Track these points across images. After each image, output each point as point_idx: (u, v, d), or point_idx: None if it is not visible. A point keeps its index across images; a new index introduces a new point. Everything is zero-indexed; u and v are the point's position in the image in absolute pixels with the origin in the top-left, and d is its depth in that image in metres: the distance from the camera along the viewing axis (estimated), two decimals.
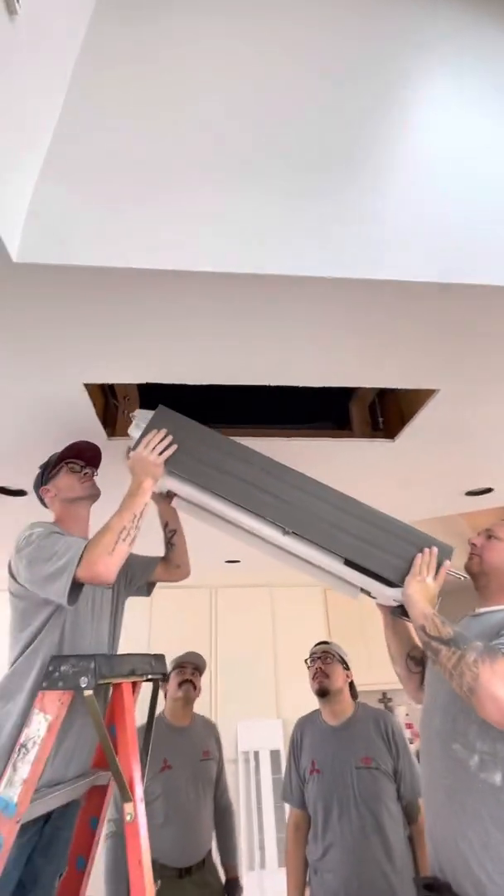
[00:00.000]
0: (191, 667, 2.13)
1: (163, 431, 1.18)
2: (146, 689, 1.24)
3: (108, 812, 1.64)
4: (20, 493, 1.91)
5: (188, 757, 1.96)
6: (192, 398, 1.34)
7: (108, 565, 1.00)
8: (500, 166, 1.10)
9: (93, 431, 1.46)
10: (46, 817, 1.06)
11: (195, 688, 2.08)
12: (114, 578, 1.02)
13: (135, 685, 1.15)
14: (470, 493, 2.10)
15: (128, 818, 0.94)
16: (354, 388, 1.60)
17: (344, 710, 1.73)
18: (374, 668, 3.83)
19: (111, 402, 1.56)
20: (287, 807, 2.03)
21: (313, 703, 1.97)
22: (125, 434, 1.54)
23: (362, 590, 1.31)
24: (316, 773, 1.62)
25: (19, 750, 0.94)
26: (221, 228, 0.95)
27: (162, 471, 1.17)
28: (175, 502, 1.39)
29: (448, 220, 1.02)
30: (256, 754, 3.20)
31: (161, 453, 1.16)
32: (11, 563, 1.13)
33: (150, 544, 1.47)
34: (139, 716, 1.13)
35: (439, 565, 1.13)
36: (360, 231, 0.98)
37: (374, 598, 1.32)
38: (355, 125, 1.11)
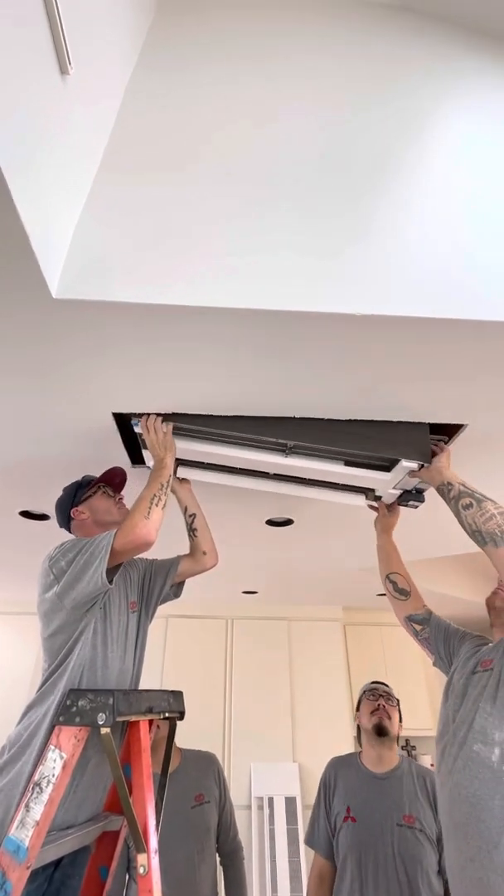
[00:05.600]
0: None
1: (152, 415, 1.29)
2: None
3: None
4: (43, 517, 1.93)
5: (177, 806, 1.67)
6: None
7: (148, 527, 1.08)
8: None
9: (118, 459, 1.47)
10: (56, 863, 1.02)
11: (158, 726, 1.84)
12: (155, 538, 1.08)
13: (151, 723, 1.11)
14: None
15: (141, 871, 0.88)
16: None
17: (392, 758, 1.60)
18: None
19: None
20: (304, 854, 1.87)
21: (330, 748, 1.82)
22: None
23: (367, 498, 1.52)
24: (350, 820, 1.48)
25: (33, 789, 0.91)
26: (245, 268, 0.97)
27: (173, 442, 1.29)
28: (187, 472, 1.48)
29: (465, 259, 1.03)
30: (271, 801, 3.04)
31: (164, 428, 1.27)
32: (42, 578, 1.12)
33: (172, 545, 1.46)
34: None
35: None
36: (375, 268, 1.00)
37: (378, 497, 1.52)
38: (371, 167, 1.14)
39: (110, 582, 1.05)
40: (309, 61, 1.31)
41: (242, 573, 2.85)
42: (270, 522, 2.05)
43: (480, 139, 1.23)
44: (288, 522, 2.04)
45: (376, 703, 1.67)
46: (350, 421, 1.31)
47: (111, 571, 1.04)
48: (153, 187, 1.05)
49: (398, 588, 1.41)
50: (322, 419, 1.31)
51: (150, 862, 0.88)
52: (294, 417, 1.30)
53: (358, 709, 1.73)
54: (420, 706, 3.55)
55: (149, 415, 1.28)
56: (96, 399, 1.22)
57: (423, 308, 0.96)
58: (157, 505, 1.13)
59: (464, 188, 1.13)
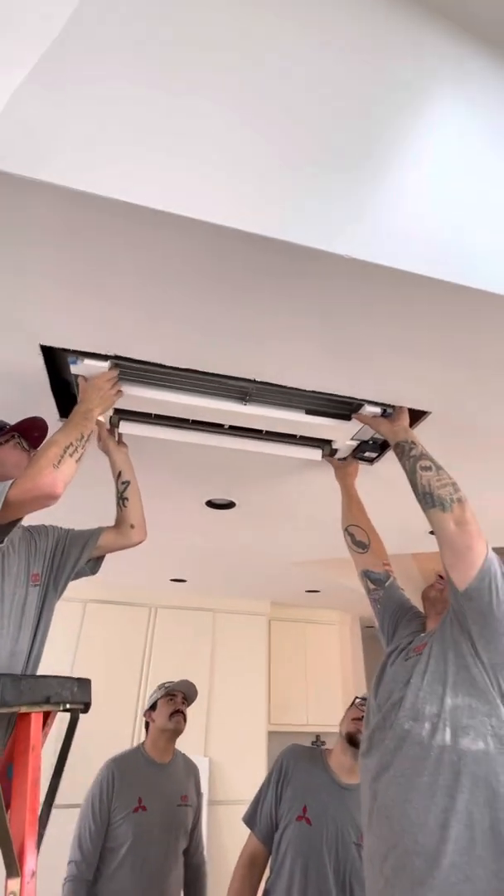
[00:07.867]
0: (181, 696, 1.94)
1: (116, 371, 1.15)
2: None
3: (70, 853, 1.58)
4: None
5: (165, 799, 1.72)
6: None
7: (55, 476, 0.93)
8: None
9: (44, 405, 1.26)
10: None
11: (185, 720, 1.88)
12: (61, 492, 0.94)
13: (47, 716, 0.93)
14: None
15: None
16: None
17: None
18: (311, 710, 3.68)
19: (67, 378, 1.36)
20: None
21: (244, 743, 1.74)
22: None
23: (322, 453, 1.49)
24: (305, 821, 1.35)
25: None
26: (219, 181, 0.81)
27: (112, 403, 1.17)
28: (130, 427, 1.35)
29: (454, 223, 0.96)
30: None
31: (113, 388, 1.15)
32: None
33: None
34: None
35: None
36: (364, 216, 0.89)
37: (335, 451, 1.49)
38: (376, 125, 1.03)
39: (0, 541, 0.87)
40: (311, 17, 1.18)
41: (174, 558, 2.68)
42: (211, 504, 1.91)
43: (475, 128, 1.16)
44: (230, 505, 1.91)
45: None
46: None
47: (5, 528, 0.86)
48: (127, 62, 0.84)
49: (356, 540, 1.39)
50: (284, 386, 1.19)
51: (23, 889, 0.70)
52: (255, 380, 1.17)
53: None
54: (335, 704, 3.58)
55: (112, 367, 1.12)
56: (22, 323, 1.00)
57: (409, 263, 0.87)
58: (71, 456, 0.98)
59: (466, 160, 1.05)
